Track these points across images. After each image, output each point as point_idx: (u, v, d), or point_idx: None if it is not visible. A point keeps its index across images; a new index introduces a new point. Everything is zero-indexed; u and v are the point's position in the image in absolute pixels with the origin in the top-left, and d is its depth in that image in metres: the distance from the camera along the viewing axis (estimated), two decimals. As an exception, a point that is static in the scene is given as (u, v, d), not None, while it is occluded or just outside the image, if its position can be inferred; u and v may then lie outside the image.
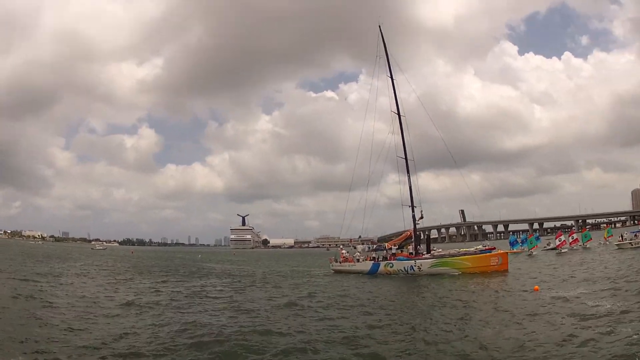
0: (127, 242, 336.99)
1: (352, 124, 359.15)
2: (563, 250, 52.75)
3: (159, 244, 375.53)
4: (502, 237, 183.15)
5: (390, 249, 37.77)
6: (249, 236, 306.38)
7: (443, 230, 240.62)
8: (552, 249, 57.27)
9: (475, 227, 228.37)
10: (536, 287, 21.49)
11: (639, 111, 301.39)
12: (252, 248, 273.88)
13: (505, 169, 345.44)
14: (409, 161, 38.33)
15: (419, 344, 11.98)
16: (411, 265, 34.62)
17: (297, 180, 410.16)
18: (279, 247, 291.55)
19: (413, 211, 37.76)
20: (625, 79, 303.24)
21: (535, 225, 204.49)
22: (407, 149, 38.59)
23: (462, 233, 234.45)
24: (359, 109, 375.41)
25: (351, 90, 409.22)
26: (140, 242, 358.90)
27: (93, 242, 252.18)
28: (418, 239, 37.65)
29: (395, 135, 39.06)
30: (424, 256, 35.50)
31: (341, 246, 44.82)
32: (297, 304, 19.68)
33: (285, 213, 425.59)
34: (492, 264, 32.85)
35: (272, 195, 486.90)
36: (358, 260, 38.81)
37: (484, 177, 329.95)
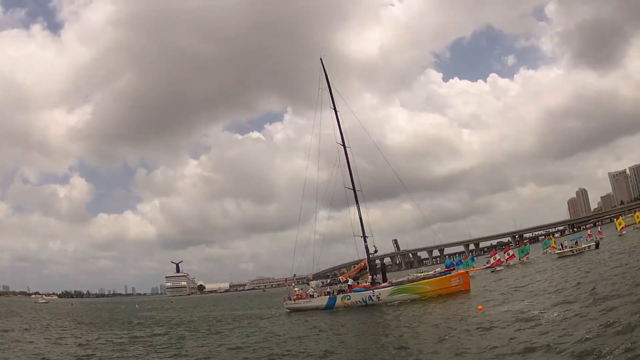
0: (66, 294, 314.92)
1: (280, 163, 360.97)
2: (498, 269, 51.37)
3: (97, 295, 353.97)
4: (439, 262, 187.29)
5: (346, 281, 36.77)
6: (184, 283, 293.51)
7: (377, 261, 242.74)
8: (488, 267, 56.10)
9: (410, 255, 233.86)
10: (480, 307, 21.31)
11: (570, 123, 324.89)
12: (189, 294, 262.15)
13: (439, 196, 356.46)
14: (357, 192, 38.13)
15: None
16: (369, 296, 33.74)
17: (229, 224, 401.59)
18: (215, 291, 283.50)
19: (365, 241, 37.31)
20: (555, 93, 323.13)
21: (472, 247, 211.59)
22: (354, 179, 38.44)
23: (397, 262, 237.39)
24: (285, 149, 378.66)
25: (277, 130, 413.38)
26: (79, 294, 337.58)
27: (34, 296, 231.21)
28: (373, 269, 37.00)
29: (340, 167, 38.86)
30: (381, 285, 34.82)
31: (293, 284, 43.26)
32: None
33: (219, 257, 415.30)
34: (453, 284, 32.15)
35: (205, 240, 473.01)
36: (312, 296, 37.41)
37: (417, 206, 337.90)
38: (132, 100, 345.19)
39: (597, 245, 48.13)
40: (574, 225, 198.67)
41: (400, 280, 35.54)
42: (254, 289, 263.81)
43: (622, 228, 59.48)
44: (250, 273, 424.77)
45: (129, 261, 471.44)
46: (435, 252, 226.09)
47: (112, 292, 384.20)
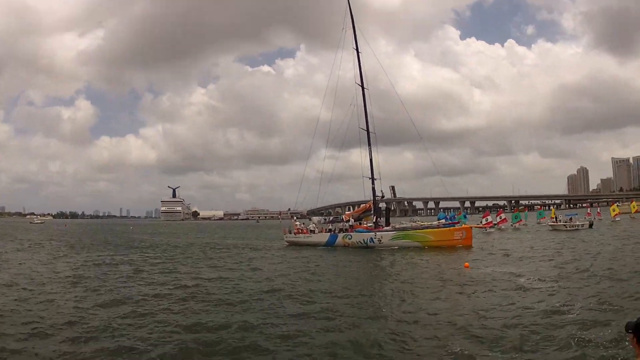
0: (60, 215, 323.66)
1: (288, 98, 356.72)
2: (489, 230, 50.88)
3: (91, 217, 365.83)
4: (433, 214, 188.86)
5: (349, 220, 36.69)
6: (179, 208, 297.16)
7: (382, 204, 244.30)
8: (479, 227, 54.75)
9: (406, 203, 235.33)
10: (466, 264, 21.40)
11: (582, 102, 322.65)
12: (182, 220, 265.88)
13: (441, 149, 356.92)
14: (370, 134, 37.29)
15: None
16: (371, 238, 33.74)
17: (230, 153, 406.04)
18: (209, 219, 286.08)
19: (373, 183, 36.90)
20: (571, 70, 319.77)
21: (467, 204, 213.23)
22: (368, 121, 37.46)
23: (392, 208, 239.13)
24: (294, 85, 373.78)
25: (288, 66, 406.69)
26: (74, 215, 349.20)
27: (29, 216, 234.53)
28: (378, 212, 36.78)
29: (357, 106, 37.74)
30: (384, 228, 34.74)
31: (295, 218, 43.27)
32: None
33: (217, 185, 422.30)
34: (455, 238, 31.97)
35: (205, 167, 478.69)
36: (313, 232, 37.47)
37: (419, 156, 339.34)
38: (145, 26, 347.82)
39: (590, 225, 48.53)
40: (571, 201, 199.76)
41: (404, 226, 35.41)
42: (247, 219, 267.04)
43: (616, 215, 59.49)
44: (246, 203, 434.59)
45: (127, 184, 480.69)
46: (431, 204, 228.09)
47: (107, 214, 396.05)
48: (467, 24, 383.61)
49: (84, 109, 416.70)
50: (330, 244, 35.30)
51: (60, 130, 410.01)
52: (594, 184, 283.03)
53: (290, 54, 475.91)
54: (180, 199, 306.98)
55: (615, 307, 11.27)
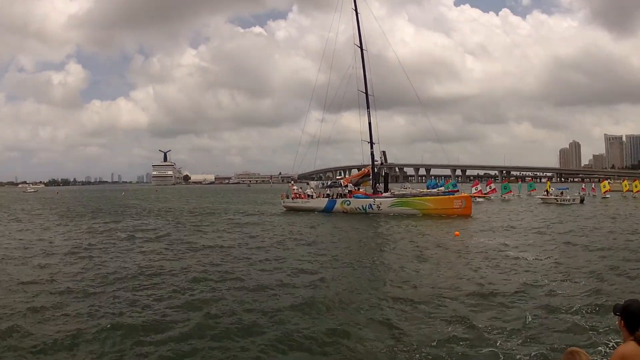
0: (52, 182, 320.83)
1: (280, 60, 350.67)
2: (479, 200, 50.09)
3: (83, 183, 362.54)
4: (424, 181, 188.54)
5: (347, 186, 35.92)
6: (170, 172, 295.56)
7: (384, 170, 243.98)
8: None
9: (397, 169, 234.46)
10: (457, 232, 21.40)
11: (575, 75, 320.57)
12: (173, 184, 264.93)
13: (433, 115, 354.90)
14: (369, 97, 36.18)
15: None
16: (370, 204, 33.18)
17: (221, 115, 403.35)
18: (200, 182, 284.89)
19: (372, 147, 36.22)
20: (566, 43, 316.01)
21: (458, 172, 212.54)
22: (367, 84, 36.29)
23: (383, 174, 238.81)
24: (286, 46, 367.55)
25: (279, 28, 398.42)
26: (65, 182, 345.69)
27: (22, 185, 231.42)
28: (377, 177, 36.03)
29: (357, 69, 36.51)
30: (383, 195, 34.08)
31: (292, 182, 42.40)
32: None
33: (207, 148, 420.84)
34: (455, 206, 31.55)
35: (195, 130, 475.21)
36: (311, 197, 36.74)
37: (410, 121, 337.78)
38: None
39: (581, 201, 47.71)
40: (562, 175, 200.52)
41: (403, 192, 34.82)
42: (238, 183, 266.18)
43: (606, 191, 59.11)
44: (237, 166, 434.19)
45: (118, 149, 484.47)
46: (422, 171, 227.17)
47: (98, 180, 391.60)
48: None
49: (74, 73, 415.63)
50: (328, 210, 34.73)
51: (51, 94, 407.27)
52: (585, 159, 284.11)
53: (282, 15, 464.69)
54: (171, 162, 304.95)
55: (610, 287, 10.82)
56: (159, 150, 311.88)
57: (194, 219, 32.06)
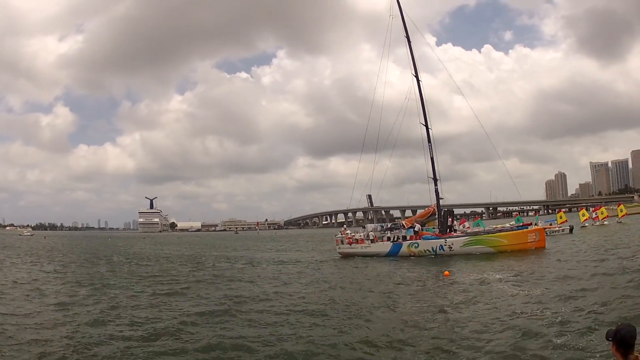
0: (39, 226, 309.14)
1: (266, 105, 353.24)
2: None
3: (70, 229, 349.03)
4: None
5: (412, 227, 33.50)
6: (157, 219, 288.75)
7: (350, 214, 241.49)
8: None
9: (383, 212, 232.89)
10: (446, 272, 21.13)
11: (562, 106, 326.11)
12: (160, 231, 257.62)
13: (421, 156, 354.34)
14: (429, 130, 34.61)
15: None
16: (441, 245, 30.83)
17: (209, 162, 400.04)
18: (187, 230, 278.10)
19: (436, 184, 34.05)
20: (550, 74, 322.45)
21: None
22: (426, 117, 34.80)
23: (370, 218, 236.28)
24: (272, 92, 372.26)
25: (264, 73, 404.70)
26: (52, 227, 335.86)
27: (19, 229, 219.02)
28: (445, 215, 33.87)
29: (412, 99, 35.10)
30: (454, 234, 31.93)
31: (344, 226, 39.88)
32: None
33: (194, 195, 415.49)
34: (529, 240, 30.43)
35: (183, 176, 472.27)
36: (372, 241, 34.17)
37: (398, 163, 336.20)
38: (126, 29, 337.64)
39: (570, 230, 46.91)
40: (549, 206, 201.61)
41: (476, 230, 32.82)
42: (224, 230, 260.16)
43: (605, 218, 58.05)
44: (223, 213, 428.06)
45: (105, 194, 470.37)
46: (408, 213, 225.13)
47: (85, 226, 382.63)
48: (444, 30, 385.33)
49: (62, 116, 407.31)
50: (393, 254, 32.14)
51: (39, 137, 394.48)
52: (572, 188, 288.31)
53: (270, 59, 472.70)
54: (157, 210, 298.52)
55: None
56: (145, 197, 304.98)
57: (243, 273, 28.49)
